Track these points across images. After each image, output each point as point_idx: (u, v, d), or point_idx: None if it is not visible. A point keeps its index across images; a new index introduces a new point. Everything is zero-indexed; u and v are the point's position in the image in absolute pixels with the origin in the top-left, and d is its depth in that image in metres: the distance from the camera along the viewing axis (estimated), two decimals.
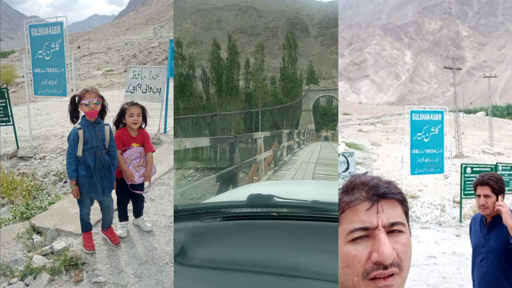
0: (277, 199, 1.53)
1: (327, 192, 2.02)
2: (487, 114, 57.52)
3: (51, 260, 3.95)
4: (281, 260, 1.19)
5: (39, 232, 4.51)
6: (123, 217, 4.52)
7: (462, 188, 10.65)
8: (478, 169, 10.99)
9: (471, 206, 11.60)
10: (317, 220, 1.40)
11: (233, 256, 1.23)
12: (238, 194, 1.75)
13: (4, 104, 8.75)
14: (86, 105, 3.69)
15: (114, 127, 4.33)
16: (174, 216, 1.56)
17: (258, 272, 1.16)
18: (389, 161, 21.34)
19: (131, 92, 9.62)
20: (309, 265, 1.17)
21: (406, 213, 0.98)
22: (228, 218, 1.42)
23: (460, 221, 10.46)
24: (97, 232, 4.41)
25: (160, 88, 9.15)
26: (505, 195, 3.10)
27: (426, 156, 10.28)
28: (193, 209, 1.60)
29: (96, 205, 4.10)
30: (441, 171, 10.71)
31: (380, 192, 0.95)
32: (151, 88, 9.29)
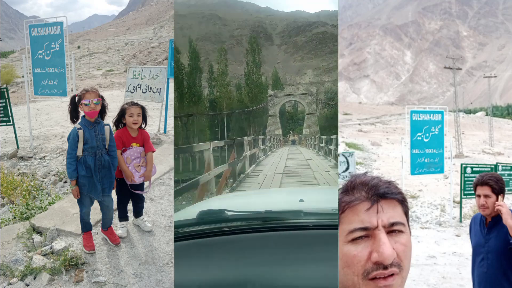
0: (229, 213, 1.46)
1: (286, 200, 1.95)
2: (487, 114, 57.53)
3: (51, 260, 3.95)
4: (230, 277, 1.17)
5: (39, 232, 4.51)
6: (123, 217, 4.52)
7: (462, 188, 10.65)
8: (478, 169, 11.00)
9: (471, 206, 11.60)
10: (270, 230, 1.35)
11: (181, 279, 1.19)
12: (192, 211, 1.67)
13: (4, 104, 8.75)
14: (86, 105, 3.69)
15: (114, 127, 4.33)
16: None
17: None
18: (389, 161, 21.35)
19: (131, 92, 9.62)
20: (261, 278, 1.15)
21: (406, 213, 0.98)
22: (177, 239, 1.35)
23: (460, 221, 10.46)
24: (97, 232, 4.41)
25: (160, 88, 9.15)
26: (505, 195, 3.10)
27: (426, 156, 10.28)
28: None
29: (96, 205, 4.10)
30: (441, 171, 10.71)
31: (380, 192, 0.95)
32: (151, 88, 9.30)
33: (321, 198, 2.15)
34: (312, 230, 1.34)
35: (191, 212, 1.60)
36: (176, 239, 1.34)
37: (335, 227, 1.23)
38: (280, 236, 1.31)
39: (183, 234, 1.36)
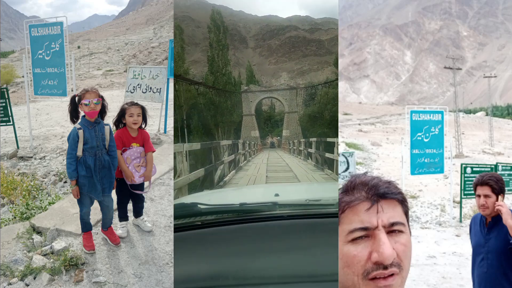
0: (202, 207, 1.46)
1: (261, 194, 1.94)
2: (487, 114, 57.50)
3: (51, 260, 3.95)
4: (203, 270, 1.17)
5: (39, 232, 4.51)
6: (123, 217, 4.52)
7: (462, 188, 10.65)
8: (478, 169, 11.00)
9: (471, 206, 11.60)
10: (245, 222, 1.36)
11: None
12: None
13: (4, 104, 8.75)
14: (86, 105, 3.69)
15: (114, 127, 4.33)
16: None
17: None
18: (389, 161, 21.35)
19: (131, 92, 9.62)
20: (234, 270, 1.16)
21: (406, 213, 0.98)
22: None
23: (460, 221, 10.46)
24: (97, 232, 4.41)
25: (160, 88, 9.15)
26: (505, 195, 3.10)
27: (426, 156, 10.28)
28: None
29: (96, 205, 4.10)
30: (441, 171, 10.71)
31: (380, 192, 0.95)
32: (151, 88, 9.30)
33: (296, 191, 2.15)
34: (286, 220, 1.34)
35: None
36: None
37: (308, 216, 1.25)
38: (255, 228, 1.32)
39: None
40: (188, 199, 1.87)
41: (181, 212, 1.46)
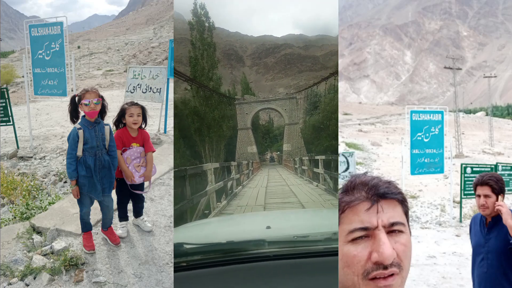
0: (187, 247, 1.35)
1: (251, 227, 1.79)
2: (487, 114, 57.47)
3: (51, 260, 3.95)
4: None
5: (39, 232, 4.51)
6: (123, 217, 4.52)
7: (462, 188, 10.65)
8: (478, 169, 11.00)
9: (471, 206, 11.60)
10: (231, 263, 1.27)
11: None
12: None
13: (4, 104, 8.75)
14: (86, 105, 3.69)
15: (114, 127, 4.33)
16: None
17: None
18: (389, 161, 21.34)
19: (131, 92, 9.62)
20: None
21: (406, 213, 0.98)
22: None
23: (460, 221, 10.46)
24: (97, 232, 4.41)
25: (160, 88, 9.15)
26: (505, 195, 3.10)
27: (426, 156, 10.28)
28: None
29: (96, 205, 4.10)
30: (441, 171, 10.71)
31: (380, 192, 0.95)
32: (151, 88, 9.30)
33: (288, 223, 2.00)
34: (273, 261, 1.25)
35: None
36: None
37: (297, 256, 1.15)
38: (241, 269, 1.24)
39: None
40: (179, 235, 1.76)
41: (177, 251, 1.37)
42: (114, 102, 10.56)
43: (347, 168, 10.14)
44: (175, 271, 1.25)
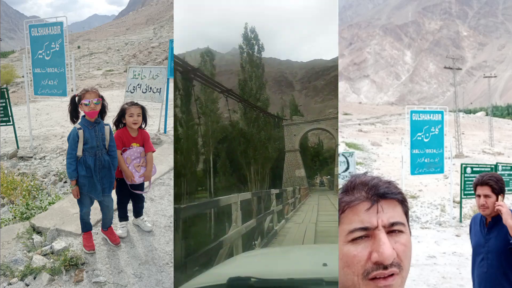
0: (255, 280, 1.25)
1: (309, 260, 1.66)
2: (487, 114, 57.49)
3: (51, 260, 3.95)
4: None
5: (39, 232, 4.51)
6: (123, 217, 4.52)
7: (462, 188, 10.65)
8: (478, 169, 11.00)
9: (471, 206, 11.60)
10: None
11: None
12: (219, 272, 1.41)
13: (4, 104, 8.75)
14: (86, 105, 3.69)
15: (114, 127, 4.33)
16: None
17: None
18: (389, 161, 21.34)
19: (131, 92, 9.62)
20: None
21: (406, 213, 0.98)
22: None
23: (460, 221, 10.46)
24: (97, 232, 4.41)
25: (160, 88, 9.16)
26: (505, 195, 3.10)
27: (426, 156, 10.28)
28: None
29: (96, 205, 4.10)
30: (441, 171, 10.71)
31: (380, 192, 0.95)
32: (151, 88, 9.30)
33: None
34: None
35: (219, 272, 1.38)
36: None
37: None
38: None
39: None
40: (237, 267, 1.60)
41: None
42: (114, 102, 10.57)
43: (347, 168, 10.14)
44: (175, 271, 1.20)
